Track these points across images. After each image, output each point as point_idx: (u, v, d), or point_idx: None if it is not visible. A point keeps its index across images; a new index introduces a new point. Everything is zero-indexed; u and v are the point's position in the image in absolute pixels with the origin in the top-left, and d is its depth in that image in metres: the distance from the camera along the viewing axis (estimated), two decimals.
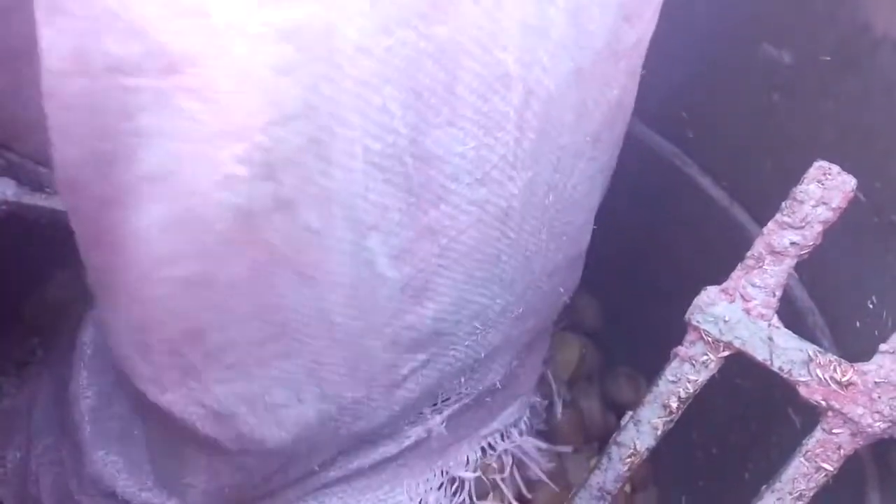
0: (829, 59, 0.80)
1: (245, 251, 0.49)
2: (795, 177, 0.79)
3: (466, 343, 0.69)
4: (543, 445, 0.87)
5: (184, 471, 0.65)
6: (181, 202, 0.46)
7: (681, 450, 0.97)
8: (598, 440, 1.05)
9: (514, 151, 0.58)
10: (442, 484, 0.79)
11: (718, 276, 0.78)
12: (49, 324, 0.77)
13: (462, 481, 0.80)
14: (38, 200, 0.56)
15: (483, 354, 0.71)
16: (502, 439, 0.82)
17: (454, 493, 0.79)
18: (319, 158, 0.49)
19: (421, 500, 0.78)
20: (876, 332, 0.80)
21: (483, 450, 0.82)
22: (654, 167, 0.99)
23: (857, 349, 0.77)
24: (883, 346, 0.67)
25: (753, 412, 0.94)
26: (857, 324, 0.82)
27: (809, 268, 0.74)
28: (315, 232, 0.51)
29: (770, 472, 0.82)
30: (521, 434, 0.83)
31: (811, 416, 0.78)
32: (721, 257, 0.97)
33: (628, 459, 0.76)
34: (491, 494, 0.83)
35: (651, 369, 0.99)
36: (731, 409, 0.95)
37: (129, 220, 0.46)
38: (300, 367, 0.59)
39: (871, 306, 0.81)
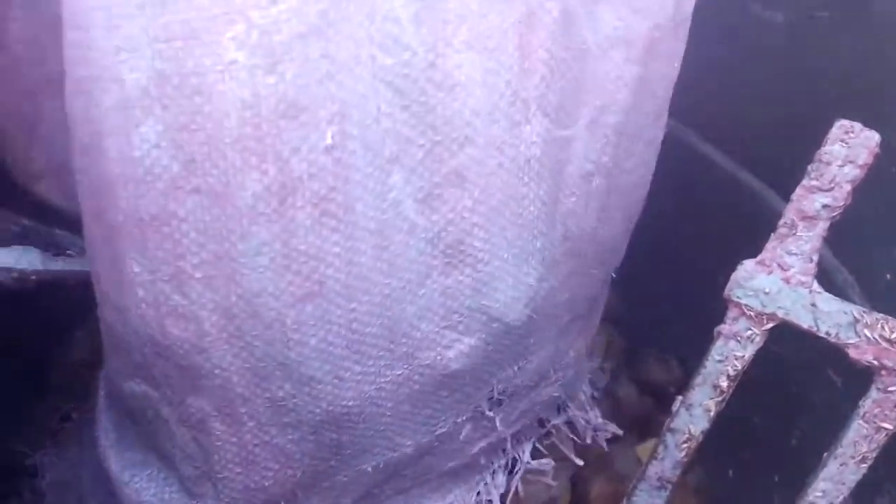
0: (823, 14, 0.80)
1: (259, 164, 0.47)
2: (802, 139, 0.78)
3: (514, 327, 0.66)
4: (600, 421, 0.85)
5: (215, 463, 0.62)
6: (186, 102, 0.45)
7: (720, 425, 0.97)
8: (638, 425, 1.04)
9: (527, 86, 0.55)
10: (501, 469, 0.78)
11: (734, 247, 0.77)
12: (80, 385, 0.75)
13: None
14: (63, 265, 0.54)
15: (532, 341, 0.69)
16: (558, 413, 0.81)
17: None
18: (323, 55, 0.47)
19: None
20: None
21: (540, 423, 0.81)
22: None
23: (892, 302, 0.76)
24: None
25: (791, 377, 0.93)
26: (888, 276, 0.82)
27: (830, 226, 0.74)
28: (330, 152, 0.49)
29: (817, 435, 0.81)
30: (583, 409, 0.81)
31: (852, 375, 0.78)
32: (735, 228, 0.97)
33: (685, 445, 0.75)
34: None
35: (675, 349, 0.98)
36: (767, 376, 0.95)
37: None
38: (339, 338, 0.56)
39: None
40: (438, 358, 0.63)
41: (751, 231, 0.86)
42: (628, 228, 0.75)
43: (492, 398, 0.71)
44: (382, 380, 0.61)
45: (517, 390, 0.73)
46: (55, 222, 0.58)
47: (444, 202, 0.56)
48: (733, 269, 0.73)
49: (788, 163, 0.74)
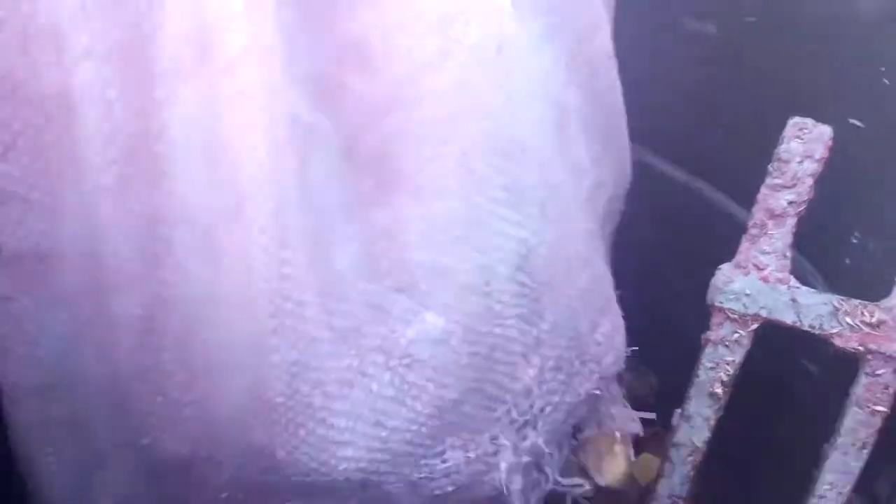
0: (754, 20, 0.83)
1: None
2: (749, 143, 0.81)
3: (509, 304, 0.54)
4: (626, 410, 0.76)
5: None
6: None
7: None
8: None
9: None
10: None
11: (696, 256, 0.77)
12: None
13: None
14: None
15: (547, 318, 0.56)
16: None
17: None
18: None
19: None
20: (867, 266, 0.83)
21: None
22: None
23: (854, 286, 0.78)
24: None
25: (768, 372, 0.94)
26: (847, 261, 0.84)
27: None
28: None
29: (803, 428, 0.82)
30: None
31: (829, 364, 0.80)
32: (696, 237, 0.99)
33: (690, 458, 0.75)
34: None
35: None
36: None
37: None
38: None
39: (855, 241, 0.84)
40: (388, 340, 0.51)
41: (711, 238, 0.88)
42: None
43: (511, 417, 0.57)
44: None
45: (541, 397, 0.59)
46: None
47: (342, 101, 0.49)
48: (695, 278, 0.73)
49: (741, 168, 0.76)
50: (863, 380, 0.70)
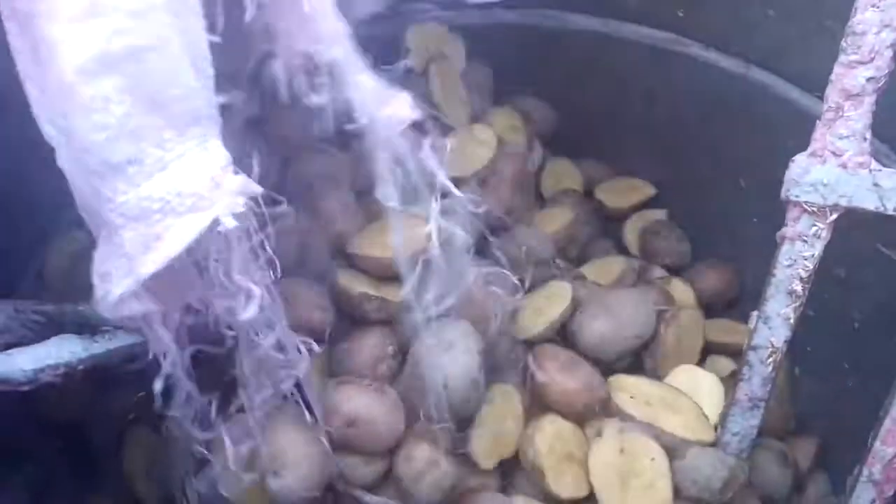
0: None
1: None
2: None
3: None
4: None
5: None
6: None
7: None
8: None
9: None
10: None
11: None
12: (159, 465, 0.69)
13: None
14: (105, 345, 0.49)
15: None
16: None
17: None
18: None
19: None
20: None
21: None
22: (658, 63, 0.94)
23: None
24: None
25: (839, 261, 0.90)
26: None
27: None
28: None
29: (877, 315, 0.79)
30: None
31: None
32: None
33: (770, 360, 0.72)
34: None
35: None
36: None
37: None
38: None
39: None
40: None
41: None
42: None
43: None
44: None
45: None
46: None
47: None
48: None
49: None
50: None
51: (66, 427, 0.72)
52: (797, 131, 0.90)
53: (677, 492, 0.70)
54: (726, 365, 0.92)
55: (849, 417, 0.95)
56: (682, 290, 0.96)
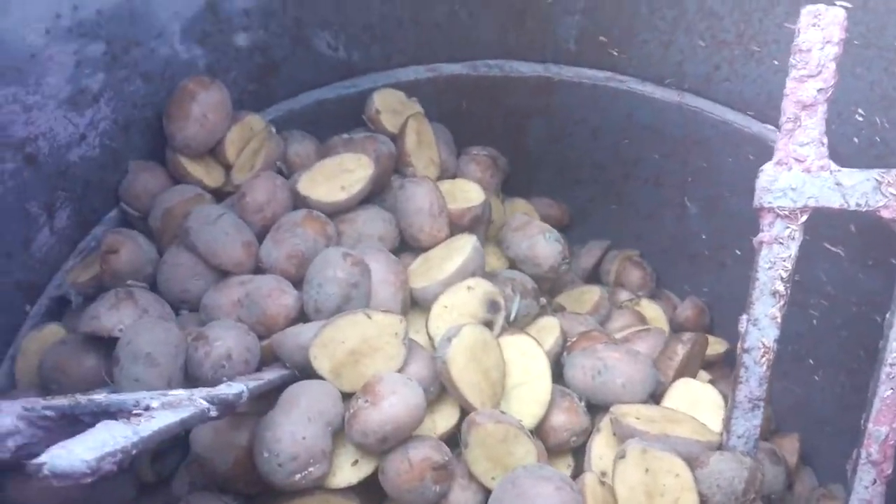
0: None
1: None
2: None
3: None
4: None
5: None
6: None
7: None
8: None
9: None
10: None
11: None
12: None
13: None
14: (149, 426, 0.46)
15: None
16: None
17: None
18: None
19: None
20: (877, 138, 0.85)
21: None
22: (598, 101, 0.99)
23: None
24: None
25: None
26: (855, 140, 0.87)
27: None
28: None
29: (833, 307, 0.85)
30: None
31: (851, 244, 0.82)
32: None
33: (763, 359, 0.76)
34: None
35: None
36: None
37: None
38: None
39: (859, 119, 0.86)
40: None
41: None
42: None
43: None
44: None
45: None
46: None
47: None
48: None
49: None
50: None
51: None
52: (735, 149, 0.98)
53: (703, 501, 0.71)
54: (702, 375, 0.96)
55: (822, 410, 1.00)
56: (652, 310, 0.99)
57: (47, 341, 0.75)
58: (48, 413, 0.52)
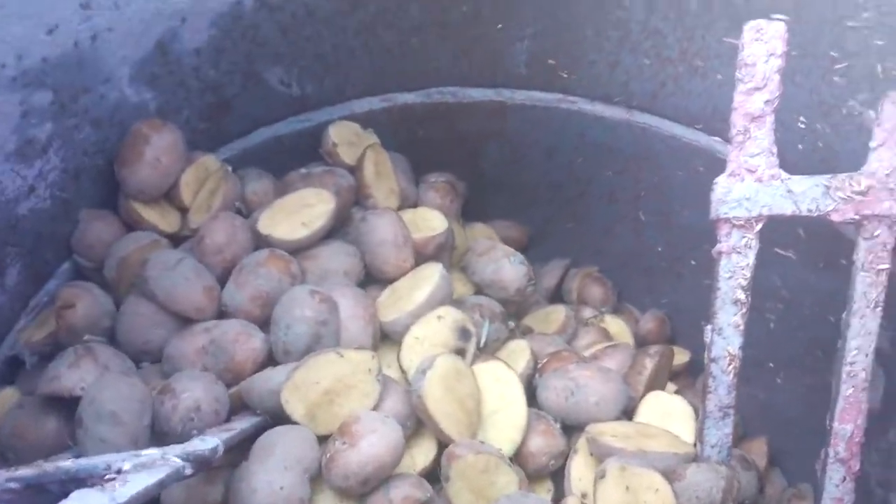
0: None
1: None
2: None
3: None
4: None
5: None
6: None
7: None
8: None
9: None
10: None
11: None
12: None
13: None
14: (126, 491, 0.44)
15: None
16: None
17: None
18: None
19: None
20: (819, 143, 0.88)
21: None
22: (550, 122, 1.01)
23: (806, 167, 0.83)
24: (871, 143, 0.73)
25: None
26: (800, 147, 0.90)
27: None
28: None
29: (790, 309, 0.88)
30: None
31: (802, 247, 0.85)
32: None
33: (730, 367, 0.77)
34: None
35: None
36: None
37: None
38: None
39: (802, 126, 0.89)
40: None
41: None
42: None
43: None
44: None
45: None
46: None
47: None
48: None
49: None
50: (863, 245, 0.74)
51: None
52: (684, 163, 1.01)
53: None
54: (668, 387, 0.97)
55: (786, 411, 1.03)
56: (616, 325, 1.00)
57: (2, 406, 0.72)
58: (12, 486, 0.50)
